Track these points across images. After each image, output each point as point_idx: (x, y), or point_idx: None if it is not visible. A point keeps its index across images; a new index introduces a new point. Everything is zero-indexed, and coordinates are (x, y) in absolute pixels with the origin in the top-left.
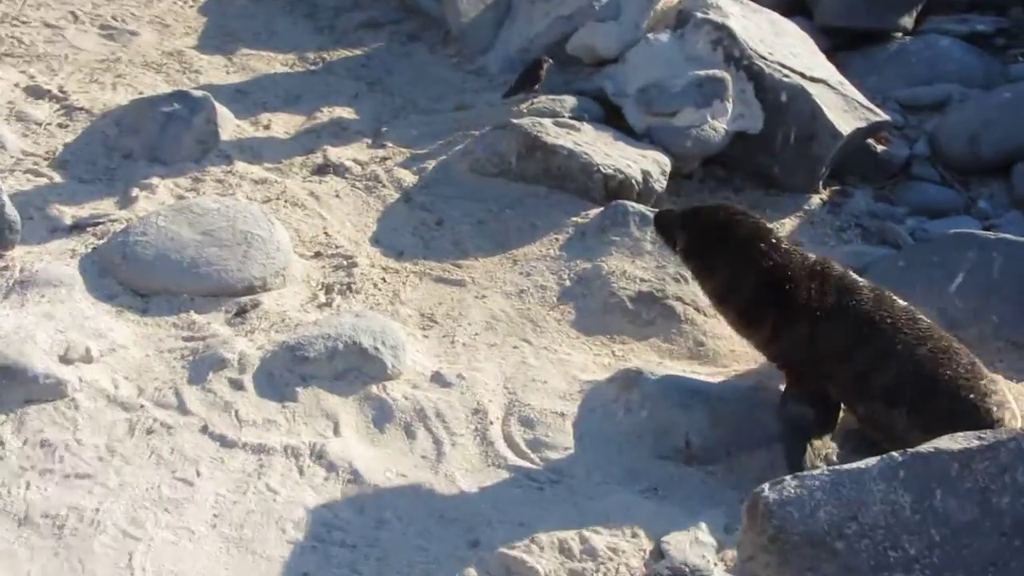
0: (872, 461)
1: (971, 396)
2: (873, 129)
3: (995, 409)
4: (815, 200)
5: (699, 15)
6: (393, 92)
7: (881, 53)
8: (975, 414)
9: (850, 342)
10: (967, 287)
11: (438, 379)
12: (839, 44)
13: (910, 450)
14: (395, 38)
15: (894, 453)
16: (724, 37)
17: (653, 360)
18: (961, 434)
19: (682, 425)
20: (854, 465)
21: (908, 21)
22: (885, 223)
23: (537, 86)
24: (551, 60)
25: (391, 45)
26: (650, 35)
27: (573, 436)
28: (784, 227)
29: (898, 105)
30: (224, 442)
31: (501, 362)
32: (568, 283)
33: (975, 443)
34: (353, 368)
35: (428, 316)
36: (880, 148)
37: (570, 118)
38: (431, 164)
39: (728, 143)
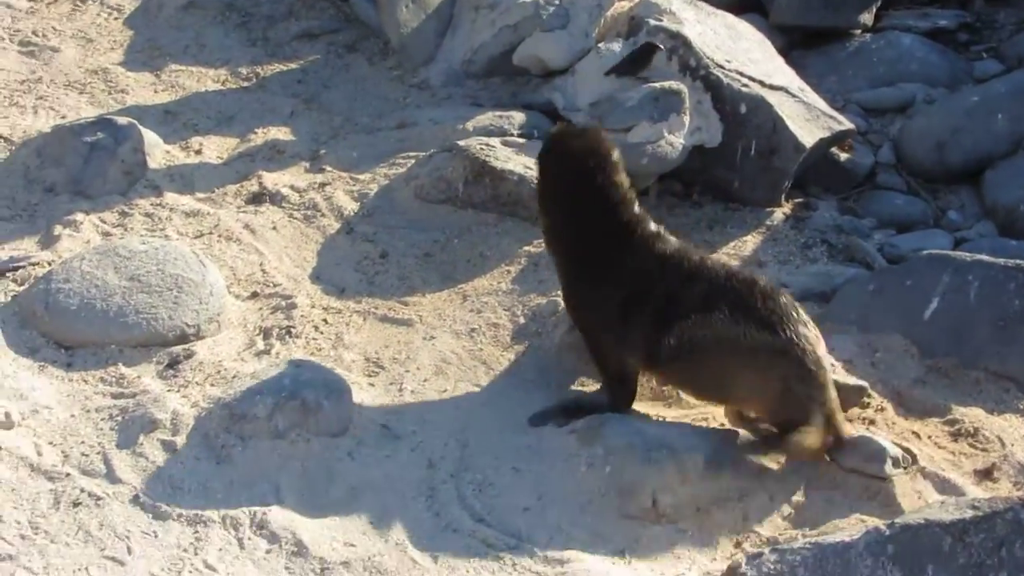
0: (857, 533)
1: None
2: (837, 138)
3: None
4: (778, 215)
5: (652, 22)
6: (331, 109)
7: (840, 52)
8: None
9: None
10: (942, 313)
11: (386, 433)
12: (795, 42)
13: (898, 521)
14: (332, 50)
15: (880, 525)
16: (679, 46)
17: None
18: (953, 502)
19: (649, 482)
20: (837, 538)
21: (867, 18)
22: (852, 238)
23: (646, 72)
24: (661, 47)
25: (328, 58)
26: (601, 45)
27: (533, 494)
28: (746, 244)
29: (860, 108)
30: (157, 513)
31: (454, 412)
32: (522, 320)
33: (969, 513)
34: (295, 425)
35: (374, 361)
36: (844, 156)
37: (519, 136)
38: (373, 189)
39: (686, 158)
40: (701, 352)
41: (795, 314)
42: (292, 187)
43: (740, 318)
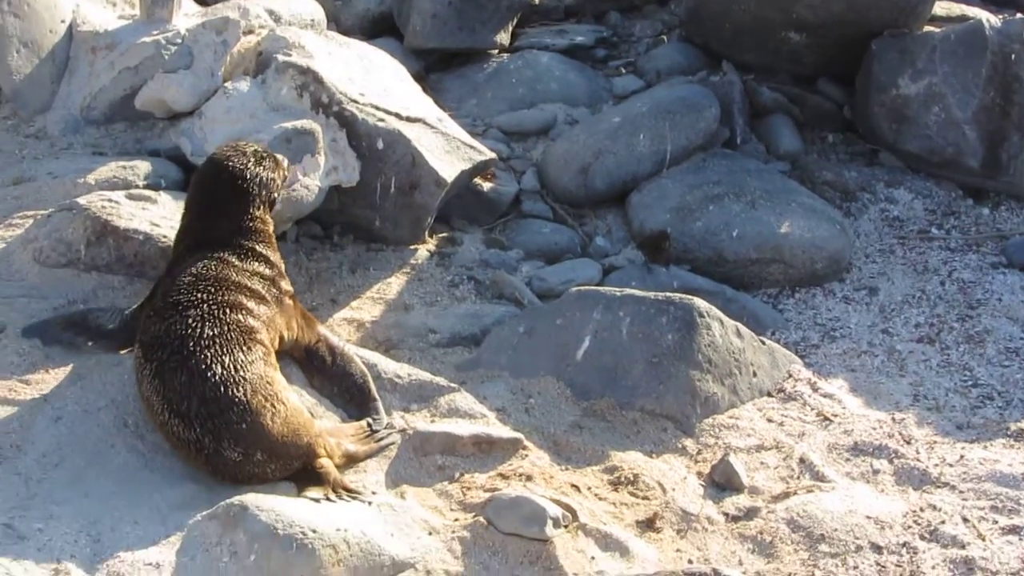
0: None
1: None
2: (479, 169)
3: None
4: (422, 252)
5: (281, 58)
6: None
7: (478, 74)
8: None
9: None
10: (595, 353)
11: (9, 534)
12: (432, 66)
13: None
14: None
15: None
16: (310, 82)
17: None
18: None
19: (297, 568)
20: None
21: (504, 37)
22: (499, 274)
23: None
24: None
25: None
26: (228, 84)
27: None
28: (391, 287)
29: (501, 133)
30: None
31: (84, 502)
32: None
33: None
34: None
35: None
36: (487, 186)
37: (145, 187)
38: None
39: (323, 199)
40: None
41: None
42: None
43: None
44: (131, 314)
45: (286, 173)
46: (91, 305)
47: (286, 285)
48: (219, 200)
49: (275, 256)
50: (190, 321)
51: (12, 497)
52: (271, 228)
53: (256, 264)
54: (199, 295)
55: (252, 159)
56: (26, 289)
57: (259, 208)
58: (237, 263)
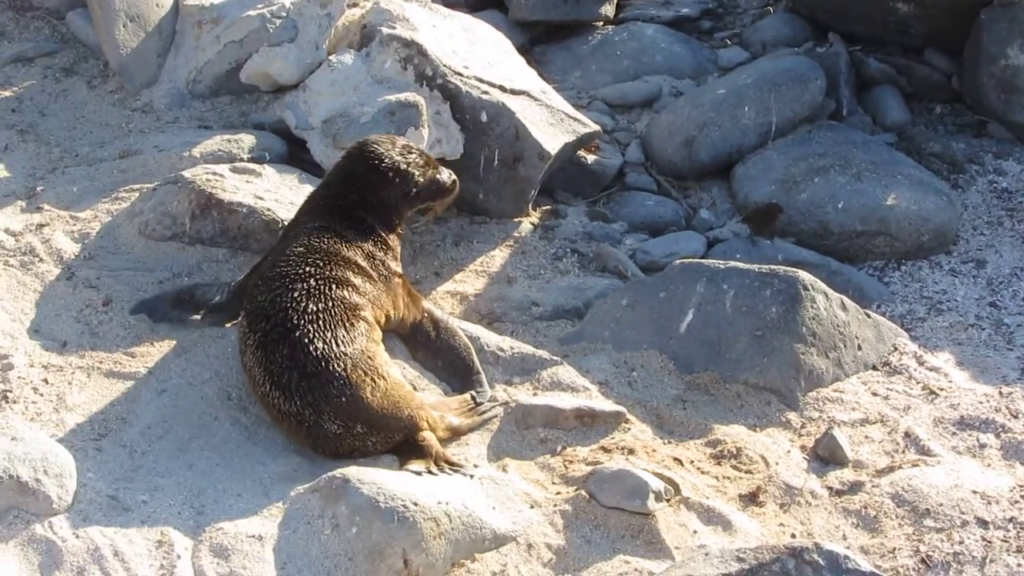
0: None
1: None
2: (583, 141)
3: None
4: (525, 225)
5: (385, 31)
6: (49, 140)
7: (583, 46)
8: None
9: None
10: (699, 326)
11: (114, 505)
12: (537, 38)
13: None
14: (49, 74)
15: None
16: (414, 54)
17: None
18: (718, 554)
19: (398, 541)
20: None
21: (609, 9)
22: (603, 246)
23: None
24: (782, 210)
25: (45, 83)
26: (333, 57)
27: (275, 564)
28: (494, 259)
29: (605, 105)
30: None
31: (187, 474)
32: None
33: (734, 568)
34: (12, 506)
35: (100, 423)
36: (591, 159)
37: (250, 160)
38: (95, 228)
39: None
40: None
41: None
42: (7, 230)
43: None
44: (238, 284)
45: (441, 180)
46: (195, 278)
47: (396, 267)
48: (353, 175)
49: (392, 240)
50: (296, 295)
51: (117, 469)
52: (398, 216)
53: (370, 243)
54: (307, 268)
55: (397, 148)
56: (131, 262)
57: (390, 195)
58: (351, 238)
